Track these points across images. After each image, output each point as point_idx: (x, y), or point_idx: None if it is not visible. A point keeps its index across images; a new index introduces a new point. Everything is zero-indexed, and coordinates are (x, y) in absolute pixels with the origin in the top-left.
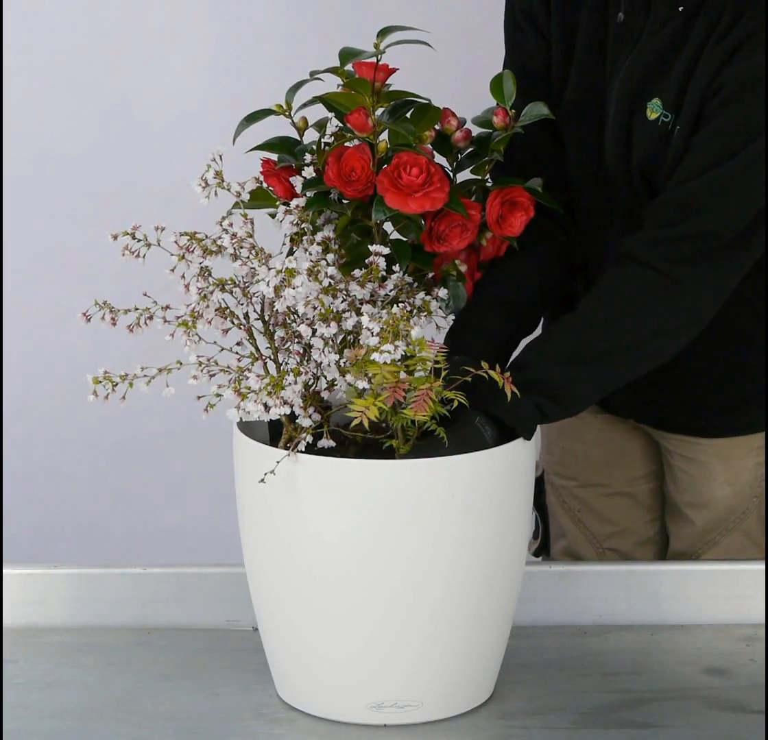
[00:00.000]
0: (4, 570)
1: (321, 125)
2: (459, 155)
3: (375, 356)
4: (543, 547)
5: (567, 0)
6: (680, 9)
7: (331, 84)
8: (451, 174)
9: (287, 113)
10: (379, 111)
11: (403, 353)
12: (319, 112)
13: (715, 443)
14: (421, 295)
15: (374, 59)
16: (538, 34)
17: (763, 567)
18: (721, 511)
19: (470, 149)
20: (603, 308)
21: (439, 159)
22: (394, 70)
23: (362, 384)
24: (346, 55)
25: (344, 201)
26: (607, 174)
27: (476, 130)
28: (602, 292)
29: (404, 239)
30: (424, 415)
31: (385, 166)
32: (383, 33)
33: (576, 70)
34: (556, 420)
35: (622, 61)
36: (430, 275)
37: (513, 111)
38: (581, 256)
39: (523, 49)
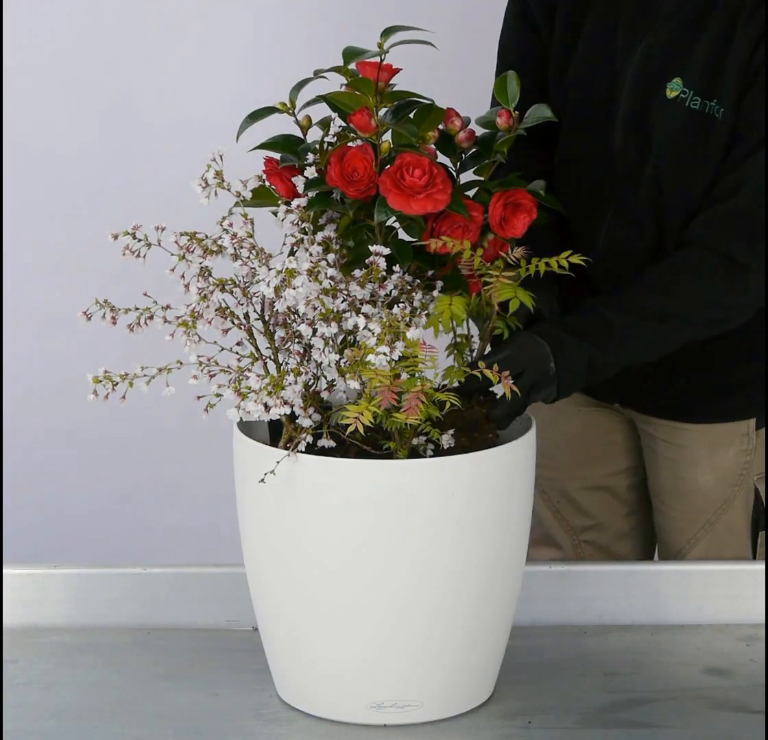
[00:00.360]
0: (4, 570)
1: (325, 124)
2: (463, 155)
3: (370, 357)
4: None
5: None
6: None
7: (336, 83)
8: (454, 174)
9: (291, 111)
10: (382, 111)
11: (400, 354)
12: (323, 110)
13: (700, 429)
14: (420, 296)
15: (378, 59)
16: (531, 29)
17: (763, 567)
18: (703, 498)
19: (474, 150)
20: (667, 276)
21: (443, 159)
22: (397, 70)
23: (354, 384)
24: (350, 54)
25: (346, 201)
26: (615, 152)
27: (480, 131)
28: (667, 266)
29: (406, 240)
30: (416, 419)
31: (388, 166)
32: (387, 33)
33: (580, 57)
34: (601, 378)
35: (637, 43)
36: (431, 273)
37: (516, 112)
38: (573, 242)
39: (518, 44)
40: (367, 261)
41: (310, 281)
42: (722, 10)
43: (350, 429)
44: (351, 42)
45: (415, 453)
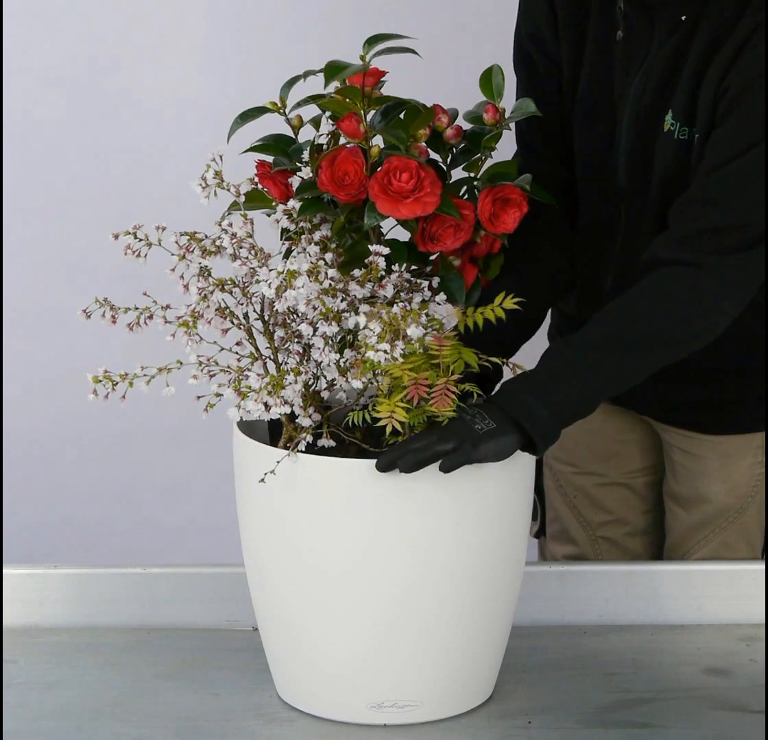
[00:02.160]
0: (4, 570)
1: (316, 122)
2: (453, 151)
3: (370, 354)
4: (542, 530)
5: (573, 18)
6: (683, 18)
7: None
8: (444, 168)
9: (282, 111)
10: (371, 114)
11: (402, 351)
12: (314, 110)
13: (713, 440)
14: (418, 299)
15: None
16: (547, 57)
17: (763, 567)
18: (715, 508)
19: (463, 145)
20: (630, 301)
21: (434, 155)
22: (383, 74)
23: (357, 384)
24: (332, 69)
25: (338, 205)
26: (620, 190)
27: (468, 126)
28: (631, 291)
29: (399, 239)
30: (449, 410)
31: (378, 170)
32: (370, 43)
33: (583, 89)
34: (578, 418)
35: (633, 77)
36: (428, 268)
37: (503, 107)
38: (578, 272)
39: (534, 73)
40: (366, 261)
41: (310, 281)
42: (702, 35)
43: (388, 430)
44: (346, 42)
45: None
